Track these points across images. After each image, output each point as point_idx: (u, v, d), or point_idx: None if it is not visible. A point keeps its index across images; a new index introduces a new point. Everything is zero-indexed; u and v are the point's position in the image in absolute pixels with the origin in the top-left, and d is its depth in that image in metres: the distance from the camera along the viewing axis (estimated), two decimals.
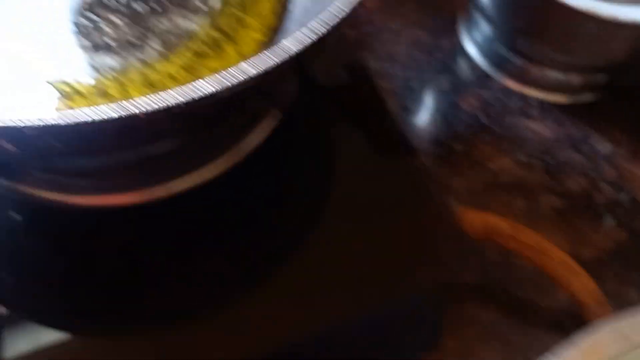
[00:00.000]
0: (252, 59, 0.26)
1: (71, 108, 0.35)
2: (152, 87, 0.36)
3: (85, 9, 0.38)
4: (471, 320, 0.44)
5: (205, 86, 0.25)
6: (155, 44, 0.37)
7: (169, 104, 0.24)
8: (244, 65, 0.25)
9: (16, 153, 0.25)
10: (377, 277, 0.40)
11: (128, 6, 0.39)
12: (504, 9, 0.57)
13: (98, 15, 0.38)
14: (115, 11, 0.38)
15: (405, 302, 0.41)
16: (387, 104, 0.52)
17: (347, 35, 0.56)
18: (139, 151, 0.33)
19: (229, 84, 0.25)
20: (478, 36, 0.60)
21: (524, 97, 0.57)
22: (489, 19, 0.58)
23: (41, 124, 0.23)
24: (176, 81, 0.37)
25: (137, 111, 0.24)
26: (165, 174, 0.38)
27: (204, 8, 0.39)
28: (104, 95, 0.35)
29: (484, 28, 0.59)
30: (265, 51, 0.26)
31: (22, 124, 0.23)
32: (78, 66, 0.36)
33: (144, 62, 0.37)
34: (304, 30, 0.27)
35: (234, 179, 0.40)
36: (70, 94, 0.35)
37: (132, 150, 0.33)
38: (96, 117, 0.23)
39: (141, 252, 0.39)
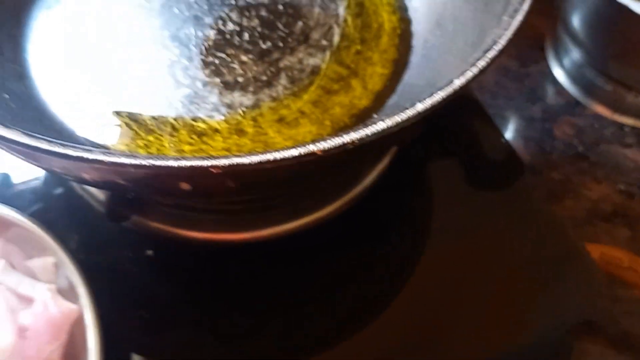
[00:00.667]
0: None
1: (207, 145, 0.35)
2: (284, 122, 0.37)
3: (214, 48, 0.39)
4: (581, 354, 0.43)
5: (379, 124, 0.25)
6: (283, 81, 0.38)
7: (346, 141, 0.24)
8: (418, 104, 0.25)
9: (187, 192, 0.26)
10: (498, 322, 0.39)
11: (254, 43, 0.39)
12: (598, 33, 0.56)
13: (226, 54, 0.39)
14: (242, 49, 0.39)
15: (527, 346, 0.40)
16: (498, 133, 0.52)
17: None
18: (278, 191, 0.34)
19: (400, 120, 0.25)
20: (567, 62, 0.59)
21: (618, 124, 0.56)
22: (579, 44, 0.57)
23: (226, 162, 0.23)
24: (306, 116, 0.37)
25: (315, 149, 0.24)
26: (285, 214, 0.39)
27: (325, 43, 0.40)
28: (240, 132, 0.36)
29: (574, 54, 0.58)
30: (436, 91, 0.26)
31: (188, 164, 0.23)
32: (210, 103, 0.37)
33: (274, 99, 0.37)
34: (465, 65, 0.27)
35: (344, 218, 0.40)
36: (207, 131, 0.36)
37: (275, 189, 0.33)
38: (278, 156, 0.24)
39: (253, 289, 0.39)
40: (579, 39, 0.57)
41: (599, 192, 0.53)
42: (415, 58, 0.39)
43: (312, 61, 0.39)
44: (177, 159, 0.23)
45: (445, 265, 0.42)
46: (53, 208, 0.39)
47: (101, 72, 0.38)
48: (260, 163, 0.23)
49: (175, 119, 0.36)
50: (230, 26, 0.40)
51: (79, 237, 0.38)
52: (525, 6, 0.29)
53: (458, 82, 0.26)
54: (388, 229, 0.43)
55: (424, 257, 0.43)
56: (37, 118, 0.35)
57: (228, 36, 0.40)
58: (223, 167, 0.23)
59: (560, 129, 0.58)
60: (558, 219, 0.48)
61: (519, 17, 0.28)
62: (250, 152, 0.24)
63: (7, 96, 0.35)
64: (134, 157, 0.23)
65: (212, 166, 0.23)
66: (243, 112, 0.37)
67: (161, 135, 0.35)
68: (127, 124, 0.36)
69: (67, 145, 0.23)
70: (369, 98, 0.37)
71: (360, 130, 0.24)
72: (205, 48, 0.39)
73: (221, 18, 0.40)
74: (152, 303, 0.36)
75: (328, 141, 0.24)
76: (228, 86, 0.38)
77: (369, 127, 0.24)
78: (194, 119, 0.36)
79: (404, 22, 0.41)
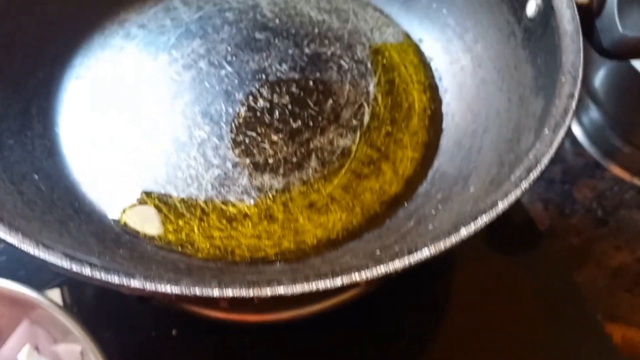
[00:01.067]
0: (463, 215, 0.26)
1: (237, 232, 0.35)
2: (314, 207, 0.36)
3: (244, 125, 0.39)
4: None
5: (424, 251, 0.25)
6: (314, 163, 0.38)
7: (389, 270, 0.24)
8: (462, 229, 0.25)
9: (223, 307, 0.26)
10: None
11: (285, 122, 0.39)
12: (618, 98, 0.56)
13: (256, 132, 0.39)
14: (272, 128, 0.39)
15: None
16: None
17: None
18: None
19: (443, 248, 0.25)
20: (587, 121, 0.59)
21: (637, 188, 0.56)
22: (599, 105, 0.57)
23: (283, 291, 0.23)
24: (336, 202, 0.37)
25: (358, 279, 0.24)
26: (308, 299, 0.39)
27: (356, 123, 0.40)
28: (270, 218, 0.36)
29: (594, 113, 0.58)
30: (479, 214, 0.26)
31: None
32: (240, 186, 0.37)
33: (304, 182, 0.37)
34: (507, 186, 0.27)
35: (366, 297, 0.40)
36: (237, 216, 0.36)
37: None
38: (321, 286, 0.23)
39: None
40: (600, 100, 0.57)
41: (619, 260, 0.53)
42: (446, 142, 0.39)
43: (342, 142, 0.39)
44: (220, 285, 0.23)
45: (462, 331, 0.42)
46: (76, 283, 0.39)
47: (131, 148, 0.38)
48: (302, 293, 0.23)
49: (205, 202, 0.36)
50: (261, 103, 0.40)
51: (103, 314, 0.37)
52: (567, 121, 0.29)
53: (502, 206, 0.26)
54: (409, 293, 0.43)
55: (443, 324, 0.43)
56: (67, 200, 0.34)
57: (258, 113, 0.39)
58: (266, 297, 0.23)
59: (581, 191, 0.57)
60: (577, 291, 0.47)
61: (562, 133, 0.28)
62: (294, 279, 0.23)
63: (36, 176, 0.34)
64: (176, 284, 0.23)
65: (255, 296, 0.23)
66: (273, 196, 0.36)
67: (191, 220, 0.35)
68: (157, 207, 0.36)
69: (110, 270, 0.23)
70: (400, 184, 0.37)
71: (404, 259, 0.24)
72: (236, 126, 0.39)
73: (252, 94, 0.40)
74: None
75: (372, 270, 0.24)
76: (258, 167, 0.37)
77: (412, 255, 0.24)
78: (224, 203, 0.36)
79: (435, 102, 0.41)
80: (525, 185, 0.26)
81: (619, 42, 0.36)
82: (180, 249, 0.34)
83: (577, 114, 0.61)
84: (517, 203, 0.50)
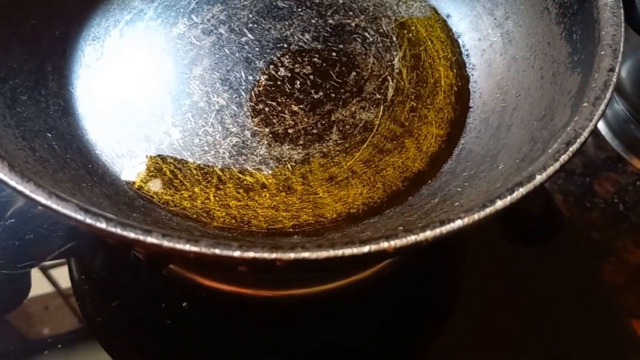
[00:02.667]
0: (495, 190, 0.24)
1: (254, 202, 0.34)
2: (334, 181, 0.35)
3: (264, 94, 0.37)
4: None
5: (457, 222, 0.23)
6: (335, 136, 0.36)
7: (420, 239, 0.23)
8: (498, 201, 0.24)
9: (242, 271, 0.24)
10: None
11: (306, 92, 0.38)
12: None
13: (277, 102, 0.37)
14: (293, 98, 0.37)
15: None
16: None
17: None
18: None
19: (477, 218, 0.24)
20: (610, 114, 0.58)
21: None
22: (625, 97, 0.56)
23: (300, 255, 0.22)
24: (357, 176, 0.35)
25: (387, 246, 0.23)
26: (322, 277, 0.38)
27: (379, 97, 0.38)
28: (288, 189, 0.34)
29: (619, 107, 0.57)
30: (514, 185, 0.24)
31: (273, 256, 0.22)
32: (259, 155, 0.35)
33: (325, 154, 0.36)
34: (545, 157, 0.25)
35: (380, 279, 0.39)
36: (254, 186, 0.34)
37: None
38: (347, 252, 0.22)
39: (282, 344, 0.38)
40: (625, 93, 0.55)
41: (639, 256, 0.52)
42: (473, 120, 0.38)
43: (365, 116, 0.38)
44: (241, 246, 0.22)
45: (476, 322, 0.41)
46: (88, 247, 0.38)
47: (148, 112, 0.37)
48: (327, 259, 0.22)
49: (222, 170, 0.35)
50: (282, 72, 0.39)
51: (112, 284, 0.36)
52: (608, 94, 0.27)
53: (539, 178, 0.24)
54: (421, 283, 0.42)
55: (456, 314, 0.42)
56: (80, 161, 0.33)
57: (279, 82, 0.38)
58: (288, 261, 0.22)
59: (602, 185, 0.56)
60: (600, 284, 0.46)
61: (602, 106, 0.27)
62: (319, 245, 0.22)
63: (49, 135, 0.33)
64: (196, 243, 0.22)
65: (278, 259, 0.22)
66: (292, 167, 0.35)
67: (207, 188, 0.34)
68: (172, 173, 0.34)
69: (126, 225, 0.22)
70: (424, 161, 0.36)
71: (436, 229, 0.23)
72: (255, 94, 0.38)
73: (273, 62, 0.39)
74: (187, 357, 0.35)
75: (401, 239, 0.22)
76: (277, 137, 0.36)
77: (445, 225, 0.23)
78: (242, 172, 0.35)
79: (462, 79, 0.40)
80: (564, 157, 0.25)
81: None
82: (195, 216, 0.33)
83: None
84: (541, 190, 0.49)
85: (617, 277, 0.50)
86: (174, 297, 0.36)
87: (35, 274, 0.39)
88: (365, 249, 0.22)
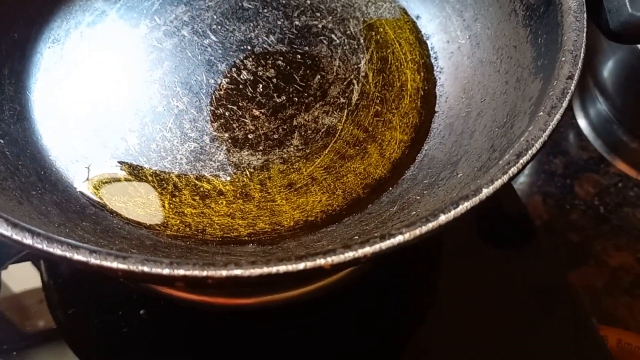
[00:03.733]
0: (438, 208, 0.24)
1: (210, 209, 0.33)
2: (293, 188, 0.34)
3: (225, 98, 0.37)
4: None
5: (398, 238, 0.23)
6: (296, 141, 0.36)
7: (358, 255, 0.22)
8: (441, 216, 0.23)
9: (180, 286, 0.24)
10: None
11: (268, 96, 0.37)
12: (628, 90, 0.53)
13: (237, 106, 0.37)
14: (255, 102, 0.37)
15: None
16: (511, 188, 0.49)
17: None
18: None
19: (418, 233, 0.23)
20: (594, 113, 0.57)
21: None
22: (607, 97, 0.55)
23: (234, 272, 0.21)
24: (317, 183, 0.35)
25: (323, 262, 0.22)
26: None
27: (343, 101, 0.38)
28: (246, 196, 0.34)
29: (601, 106, 0.56)
30: (459, 198, 0.23)
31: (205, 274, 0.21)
32: (217, 161, 0.35)
33: (285, 160, 0.35)
34: (494, 171, 0.25)
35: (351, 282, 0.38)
36: (211, 193, 0.34)
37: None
38: (281, 270, 0.22)
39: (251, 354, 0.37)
40: (607, 92, 0.55)
41: (619, 259, 0.51)
42: (437, 126, 0.37)
43: (328, 120, 0.37)
44: (171, 264, 0.21)
45: (448, 325, 0.40)
46: None
47: (105, 117, 0.36)
48: (260, 276, 0.21)
49: (178, 177, 0.34)
50: (244, 75, 0.38)
51: (77, 289, 0.36)
52: (565, 103, 0.26)
53: (486, 191, 0.24)
54: (396, 283, 0.41)
55: (430, 316, 0.41)
56: (32, 167, 0.33)
57: (241, 86, 0.37)
58: (220, 279, 0.21)
59: (582, 186, 0.55)
60: (572, 290, 0.45)
61: (557, 116, 0.26)
62: (253, 263, 0.21)
63: (2, 141, 0.33)
64: (125, 260, 0.21)
65: (209, 277, 0.21)
66: (250, 173, 0.34)
67: (162, 195, 0.33)
68: (127, 179, 0.34)
69: (54, 241, 0.21)
70: (386, 167, 0.35)
71: (375, 244, 0.22)
72: (216, 98, 0.37)
73: (235, 65, 0.38)
74: None
75: (339, 255, 0.22)
76: (237, 143, 0.35)
77: (385, 240, 0.22)
78: (198, 178, 0.34)
79: (429, 82, 0.39)
80: (513, 170, 0.24)
81: (627, 23, 0.33)
82: (148, 224, 0.32)
83: (583, 105, 0.59)
84: (511, 193, 0.48)
85: (596, 280, 0.50)
86: (131, 304, 0.35)
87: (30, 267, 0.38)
88: (301, 266, 0.21)
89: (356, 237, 0.31)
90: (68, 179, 0.33)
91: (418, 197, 0.32)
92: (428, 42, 0.41)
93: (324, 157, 0.35)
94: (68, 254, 0.21)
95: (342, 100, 0.38)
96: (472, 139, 0.34)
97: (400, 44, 0.40)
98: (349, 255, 0.22)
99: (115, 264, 0.21)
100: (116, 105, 0.36)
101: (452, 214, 0.23)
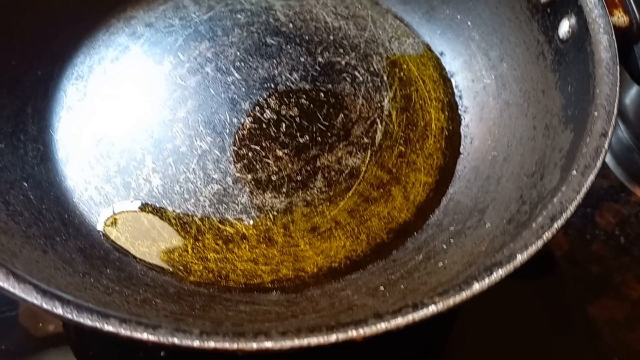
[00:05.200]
0: (478, 268, 0.23)
1: (233, 254, 0.33)
2: (317, 232, 0.34)
3: (248, 138, 0.36)
4: None
5: (431, 308, 0.22)
6: (319, 182, 0.35)
7: (390, 327, 0.22)
8: (475, 284, 0.22)
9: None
10: None
11: (291, 136, 0.37)
12: None
13: (261, 146, 0.36)
14: (278, 142, 0.36)
15: None
16: None
17: None
18: None
19: (452, 303, 0.23)
20: (614, 141, 0.56)
21: None
22: (631, 127, 0.54)
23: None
24: (341, 227, 0.34)
25: (355, 335, 0.22)
26: None
27: (367, 141, 0.37)
28: (269, 241, 0.34)
29: (623, 134, 0.55)
30: (492, 264, 0.23)
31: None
32: (240, 204, 0.34)
33: (308, 203, 0.35)
34: (528, 235, 0.24)
35: None
36: (234, 237, 0.33)
37: None
38: (312, 342, 0.21)
39: None
40: (629, 120, 0.54)
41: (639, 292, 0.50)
42: (463, 168, 0.36)
43: (351, 161, 0.36)
44: (201, 334, 0.21)
45: (468, 356, 0.40)
46: None
47: (129, 157, 0.36)
48: (291, 348, 0.21)
49: (201, 220, 0.34)
50: (268, 114, 0.38)
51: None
52: (599, 163, 0.26)
53: (520, 258, 0.23)
54: None
55: (449, 347, 0.41)
56: (56, 211, 0.33)
57: (264, 125, 0.37)
58: (250, 351, 0.21)
59: (603, 216, 0.54)
60: (592, 325, 0.45)
61: (592, 177, 0.25)
62: (283, 333, 0.21)
63: (25, 184, 0.33)
64: (154, 330, 0.21)
65: (239, 349, 0.21)
66: (274, 216, 0.34)
67: (185, 239, 0.33)
68: (150, 222, 0.34)
69: (84, 310, 0.21)
70: (410, 211, 0.35)
71: (408, 315, 0.22)
72: (239, 138, 0.37)
73: (259, 104, 0.38)
74: None
75: (371, 326, 0.21)
76: (260, 185, 0.35)
77: (417, 311, 0.22)
78: (222, 222, 0.34)
79: (453, 121, 0.38)
80: (548, 235, 0.24)
81: None
82: (171, 270, 0.32)
83: None
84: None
85: (616, 312, 0.49)
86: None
87: None
88: (332, 337, 0.21)
89: (381, 287, 0.30)
90: (91, 222, 0.33)
91: (444, 246, 0.32)
92: (452, 79, 0.40)
93: (348, 199, 0.35)
94: (98, 325, 0.21)
95: (365, 140, 0.37)
96: (499, 185, 0.33)
97: (424, 82, 0.40)
98: (381, 327, 0.21)
99: (145, 335, 0.21)
100: (139, 145, 0.36)
101: (486, 282, 0.23)
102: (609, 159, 0.56)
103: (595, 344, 0.43)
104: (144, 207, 0.34)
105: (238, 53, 0.40)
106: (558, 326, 0.43)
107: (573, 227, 0.54)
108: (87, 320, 0.21)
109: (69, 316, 0.21)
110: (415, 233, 0.34)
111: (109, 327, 0.21)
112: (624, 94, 0.54)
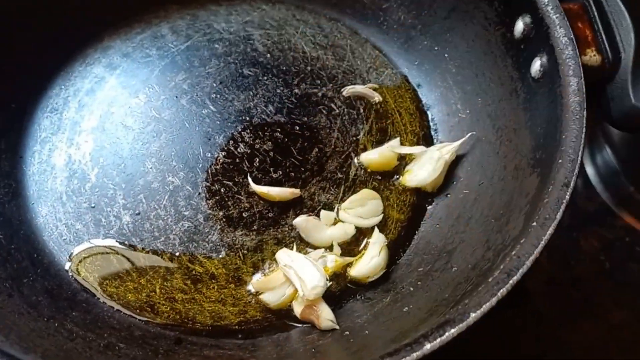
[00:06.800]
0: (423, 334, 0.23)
1: (201, 295, 0.33)
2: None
3: (220, 173, 0.36)
4: None
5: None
6: (291, 220, 0.35)
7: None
8: (426, 344, 0.22)
9: None
10: None
11: (264, 172, 0.37)
12: (638, 147, 0.52)
13: (233, 182, 0.36)
14: (251, 177, 0.36)
15: None
16: None
17: None
18: None
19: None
20: (601, 164, 0.56)
21: None
22: (616, 150, 0.54)
23: None
24: None
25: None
26: None
27: (341, 176, 0.37)
28: (238, 280, 0.33)
29: (609, 157, 0.55)
30: (444, 322, 0.23)
31: None
32: (210, 242, 0.34)
33: (279, 241, 0.35)
34: (483, 291, 0.24)
35: None
36: (203, 277, 0.33)
37: None
38: None
39: None
40: (614, 143, 0.54)
41: (620, 318, 0.50)
42: (435, 206, 0.36)
43: (324, 197, 0.36)
44: None
45: None
46: None
47: (101, 192, 0.36)
48: None
49: (170, 259, 0.34)
50: (242, 148, 0.38)
51: None
52: (559, 215, 0.26)
53: (473, 316, 0.23)
54: None
55: None
56: (25, 250, 0.33)
57: (238, 160, 0.37)
58: None
59: (588, 240, 0.54)
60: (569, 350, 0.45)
61: (550, 230, 0.25)
62: None
63: None
64: None
65: None
66: (243, 255, 0.34)
67: (153, 278, 0.33)
68: (119, 261, 0.34)
69: None
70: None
71: None
72: (212, 173, 0.37)
73: (233, 138, 0.38)
74: None
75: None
76: (231, 222, 0.35)
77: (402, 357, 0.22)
78: (191, 260, 0.34)
79: None
80: (502, 292, 0.24)
81: (630, 113, 0.33)
82: (138, 311, 0.32)
83: (592, 155, 0.58)
84: None
85: (594, 337, 0.49)
86: None
87: None
88: None
89: (347, 333, 0.30)
90: (61, 260, 0.33)
91: (411, 289, 0.32)
92: (429, 112, 0.40)
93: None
94: None
95: (339, 175, 0.37)
96: (468, 226, 0.33)
97: (401, 114, 0.40)
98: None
99: None
100: (111, 181, 0.36)
101: (437, 341, 0.22)
102: (595, 182, 0.56)
103: None
104: (113, 246, 0.34)
105: (214, 84, 0.40)
106: (534, 350, 0.43)
107: (557, 252, 0.53)
108: None
109: None
110: (386, 271, 0.34)
111: None
112: None
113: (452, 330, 0.23)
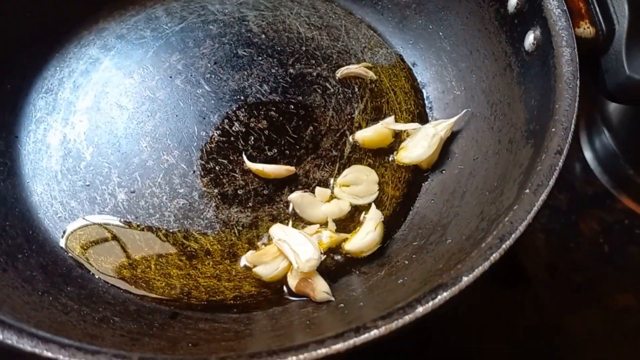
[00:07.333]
0: (416, 297, 0.23)
1: (197, 271, 0.33)
2: None
3: (215, 151, 0.36)
4: None
5: (373, 332, 0.22)
6: (286, 197, 0.35)
7: (330, 352, 0.22)
8: (418, 307, 0.22)
9: None
10: None
11: (259, 149, 0.37)
12: (637, 127, 0.52)
13: (228, 160, 0.36)
14: (246, 155, 0.36)
15: None
16: None
17: None
18: None
19: (394, 327, 0.22)
20: (600, 147, 0.56)
21: None
22: (614, 133, 0.54)
23: None
24: None
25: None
26: None
27: (335, 154, 0.37)
28: (233, 256, 0.33)
29: (607, 140, 0.55)
30: (437, 286, 0.23)
31: None
32: (205, 219, 0.34)
33: (274, 218, 0.35)
34: (475, 255, 0.24)
35: None
36: (198, 253, 0.33)
37: None
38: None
39: None
40: (613, 127, 0.53)
41: (623, 303, 0.50)
42: (430, 182, 0.36)
43: (319, 175, 0.36)
44: None
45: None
46: None
47: (96, 171, 0.36)
48: None
49: (165, 235, 0.34)
50: (236, 127, 0.38)
51: None
52: (552, 181, 0.26)
53: (466, 280, 0.23)
54: None
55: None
56: (20, 227, 0.33)
57: (232, 138, 0.37)
58: None
59: (587, 223, 0.54)
60: (572, 336, 0.44)
61: (543, 196, 0.25)
62: (222, 358, 0.21)
63: None
64: (94, 355, 0.21)
65: None
66: (239, 231, 0.34)
67: (148, 255, 0.33)
68: (115, 238, 0.34)
69: (24, 334, 0.21)
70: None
71: (349, 340, 0.22)
72: (207, 151, 0.37)
73: (227, 117, 0.38)
74: None
75: (311, 352, 0.21)
76: (226, 199, 0.35)
77: (359, 335, 0.22)
78: (186, 237, 0.34)
79: None
80: (495, 256, 0.24)
81: (624, 85, 0.32)
82: (134, 286, 0.32)
83: (590, 138, 0.57)
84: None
85: (597, 323, 0.49)
86: None
87: None
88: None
89: (341, 305, 0.30)
90: (56, 237, 0.33)
91: (406, 262, 0.32)
92: (424, 90, 0.40)
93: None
94: (37, 350, 0.21)
95: (334, 152, 0.37)
96: (463, 200, 0.33)
97: (395, 93, 0.40)
98: (322, 352, 0.21)
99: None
100: (106, 159, 0.36)
101: (429, 305, 0.22)
102: (594, 166, 0.56)
103: (572, 355, 0.42)
104: (108, 223, 0.34)
105: (209, 65, 0.40)
106: (536, 337, 0.43)
107: (556, 235, 0.53)
108: (26, 345, 0.21)
109: (9, 340, 0.21)
110: (381, 246, 0.34)
111: (47, 353, 0.21)
112: (608, 102, 0.53)
113: (445, 294, 0.23)
